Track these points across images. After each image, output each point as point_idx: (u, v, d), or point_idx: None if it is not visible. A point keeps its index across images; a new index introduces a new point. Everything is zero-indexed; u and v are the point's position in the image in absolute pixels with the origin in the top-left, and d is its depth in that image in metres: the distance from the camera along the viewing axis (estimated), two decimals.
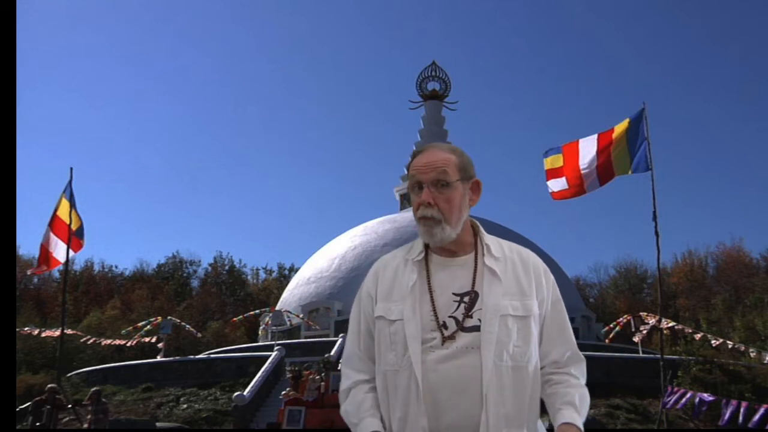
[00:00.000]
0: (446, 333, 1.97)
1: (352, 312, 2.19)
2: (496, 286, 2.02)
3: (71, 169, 16.51)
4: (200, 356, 26.93)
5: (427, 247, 2.13)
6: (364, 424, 2.00)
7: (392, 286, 2.08)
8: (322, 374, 16.60)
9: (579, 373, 2.08)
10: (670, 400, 11.86)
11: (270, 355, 21.70)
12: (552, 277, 2.15)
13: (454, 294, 2.02)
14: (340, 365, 2.25)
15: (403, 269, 2.09)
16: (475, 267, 2.07)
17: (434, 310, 2.00)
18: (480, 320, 1.97)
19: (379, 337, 2.06)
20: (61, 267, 17.69)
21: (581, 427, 1.96)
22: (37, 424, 13.55)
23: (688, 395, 11.82)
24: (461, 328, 1.97)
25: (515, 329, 1.99)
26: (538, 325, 2.06)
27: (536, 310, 2.04)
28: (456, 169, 2.06)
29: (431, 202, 2.02)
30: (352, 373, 2.12)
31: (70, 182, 16.44)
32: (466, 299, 2.01)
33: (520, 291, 2.04)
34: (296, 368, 17.86)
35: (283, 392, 16.61)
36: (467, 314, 1.99)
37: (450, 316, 1.99)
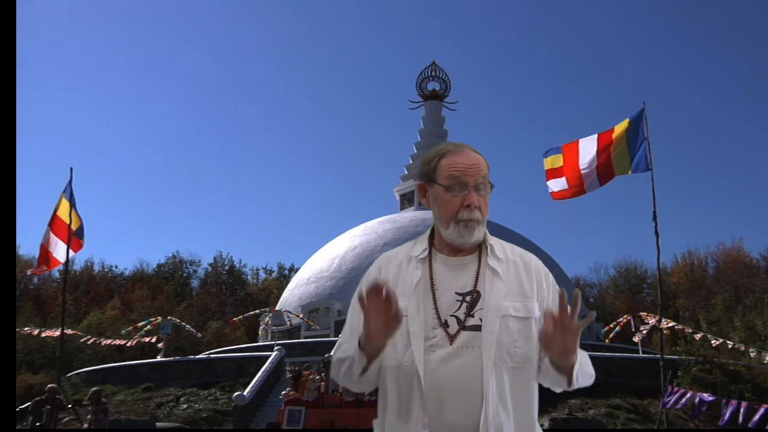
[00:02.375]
0: (448, 331, 1.97)
1: (352, 306, 2.16)
2: (498, 286, 2.03)
3: (71, 169, 16.54)
4: (200, 356, 26.94)
5: (431, 245, 2.13)
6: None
7: (396, 283, 2.07)
8: (322, 374, 16.60)
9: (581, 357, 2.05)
10: (670, 400, 11.86)
11: (270, 355, 21.71)
12: (552, 279, 2.15)
13: (456, 293, 2.03)
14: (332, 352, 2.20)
15: (407, 266, 2.10)
16: (478, 267, 2.07)
17: (436, 308, 2.01)
18: (481, 320, 1.98)
19: None
20: (61, 267, 17.69)
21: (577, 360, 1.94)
22: (37, 424, 13.54)
23: (688, 395, 11.82)
24: (462, 327, 1.98)
25: (516, 330, 1.99)
26: (539, 327, 2.05)
27: (537, 312, 2.04)
28: (488, 173, 2.11)
29: (477, 205, 2.05)
30: (344, 352, 2.10)
31: (70, 182, 16.45)
32: (468, 299, 2.02)
33: (522, 292, 2.05)
34: (296, 368, 17.87)
35: (283, 392, 16.63)
36: (469, 313, 1.99)
37: (452, 315, 2.00)
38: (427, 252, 2.11)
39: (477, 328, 1.97)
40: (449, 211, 2.05)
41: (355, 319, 2.13)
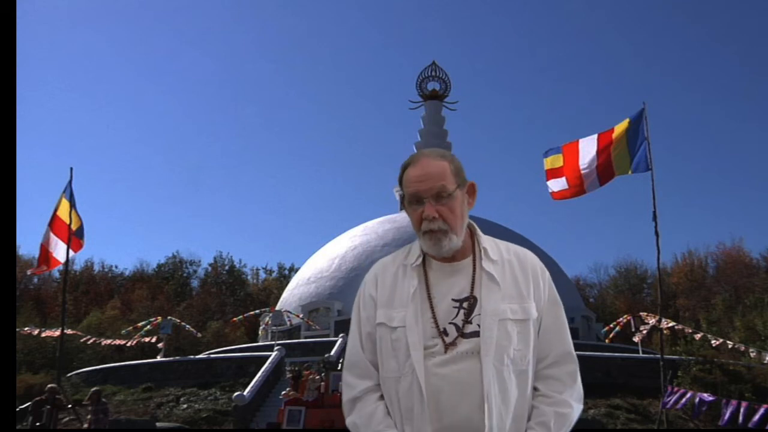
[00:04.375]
0: (447, 340, 1.95)
1: (353, 315, 2.16)
2: (494, 290, 2.00)
3: (71, 169, 16.52)
4: (200, 356, 26.94)
5: (424, 251, 2.10)
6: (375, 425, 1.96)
7: (393, 293, 2.06)
8: (322, 374, 16.61)
9: (569, 379, 2.02)
10: (670, 400, 11.85)
11: (270, 355, 21.70)
12: (548, 276, 2.12)
13: (453, 300, 2.01)
14: (340, 367, 2.18)
15: (403, 275, 2.07)
16: (474, 272, 2.05)
17: (434, 317, 1.98)
18: (479, 325, 1.96)
19: (381, 343, 2.04)
20: (61, 267, 17.68)
21: None
22: (37, 424, 13.54)
23: (688, 395, 11.81)
24: (461, 334, 1.96)
25: (515, 333, 1.97)
26: (537, 327, 2.04)
27: (535, 313, 2.03)
28: (453, 177, 2.03)
29: (435, 216, 1.99)
30: (356, 381, 2.05)
31: (70, 182, 16.44)
32: (465, 305, 1.99)
33: (519, 294, 2.03)
34: (296, 368, 17.87)
35: (283, 392, 16.62)
36: (467, 320, 1.97)
37: (450, 323, 1.98)
38: (421, 259, 2.08)
39: (476, 334, 1.95)
40: (414, 224, 2.05)
41: (356, 326, 2.13)
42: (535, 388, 2.01)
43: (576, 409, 2.00)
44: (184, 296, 50.08)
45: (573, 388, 2.02)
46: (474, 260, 2.07)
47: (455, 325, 1.97)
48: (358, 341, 2.09)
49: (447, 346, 1.94)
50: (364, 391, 2.03)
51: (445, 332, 1.96)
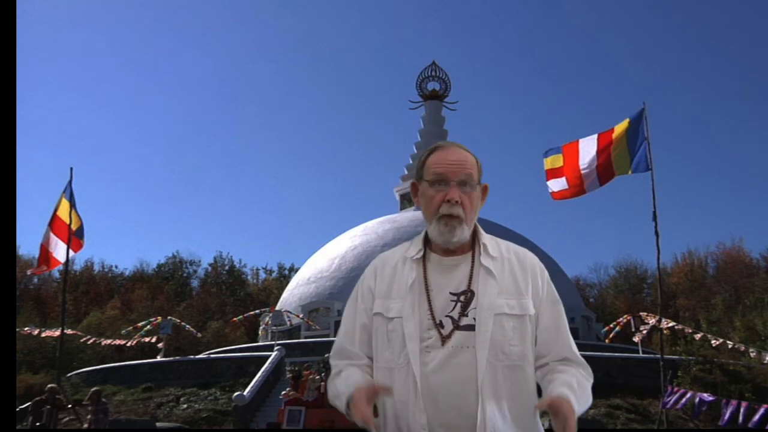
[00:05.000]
0: (443, 332, 1.96)
1: (348, 307, 2.17)
2: (491, 285, 2.02)
3: (71, 169, 16.52)
4: (200, 356, 26.94)
5: (426, 245, 2.12)
6: (352, 381, 1.97)
7: (391, 284, 2.08)
8: (322, 374, 16.61)
9: (585, 372, 2.05)
10: (670, 400, 11.86)
11: (270, 355, 21.71)
12: (547, 275, 2.13)
13: (451, 293, 2.02)
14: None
15: (402, 267, 2.09)
16: (472, 266, 2.06)
17: (431, 309, 2.00)
18: (475, 319, 1.97)
19: (376, 334, 2.06)
20: (61, 267, 17.68)
21: (575, 405, 1.86)
22: (37, 424, 13.54)
23: (688, 395, 11.81)
24: (457, 327, 1.97)
25: (511, 328, 1.98)
26: (534, 325, 2.05)
27: (532, 310, 2.03)
28: (477, 172, 2.09)
29: (458, 200, 2.02)
30: (342, 362, 2.11)
31: (70, 182, 16.44)
32: (462, 298, 2.01)
33: (517, 290, 2.04)
34: (296, 368, 17.88)
35: (283, 392, 16.63)
36: (463, 313, 1.98)
37: (447, 316, 1.99)
38: (421, 253, 2.10)
39: (471, 327, 1.96)
40: (432, 207, 2.06)
41: (350, 317, 2.14)
42: (550, 371, 2.02)
43: (589, 381, 2.03)
44: (184, 296, 50.08)
45: (589, 377, 2.05)
46: (473, 255, 2.09)
47: (451, 317, 1.98)
48: (350, 333, 2.12)
49: (443, 339, 1.95)
50: (345, 365, 2.07)
51: (441, 324, 1.98)
